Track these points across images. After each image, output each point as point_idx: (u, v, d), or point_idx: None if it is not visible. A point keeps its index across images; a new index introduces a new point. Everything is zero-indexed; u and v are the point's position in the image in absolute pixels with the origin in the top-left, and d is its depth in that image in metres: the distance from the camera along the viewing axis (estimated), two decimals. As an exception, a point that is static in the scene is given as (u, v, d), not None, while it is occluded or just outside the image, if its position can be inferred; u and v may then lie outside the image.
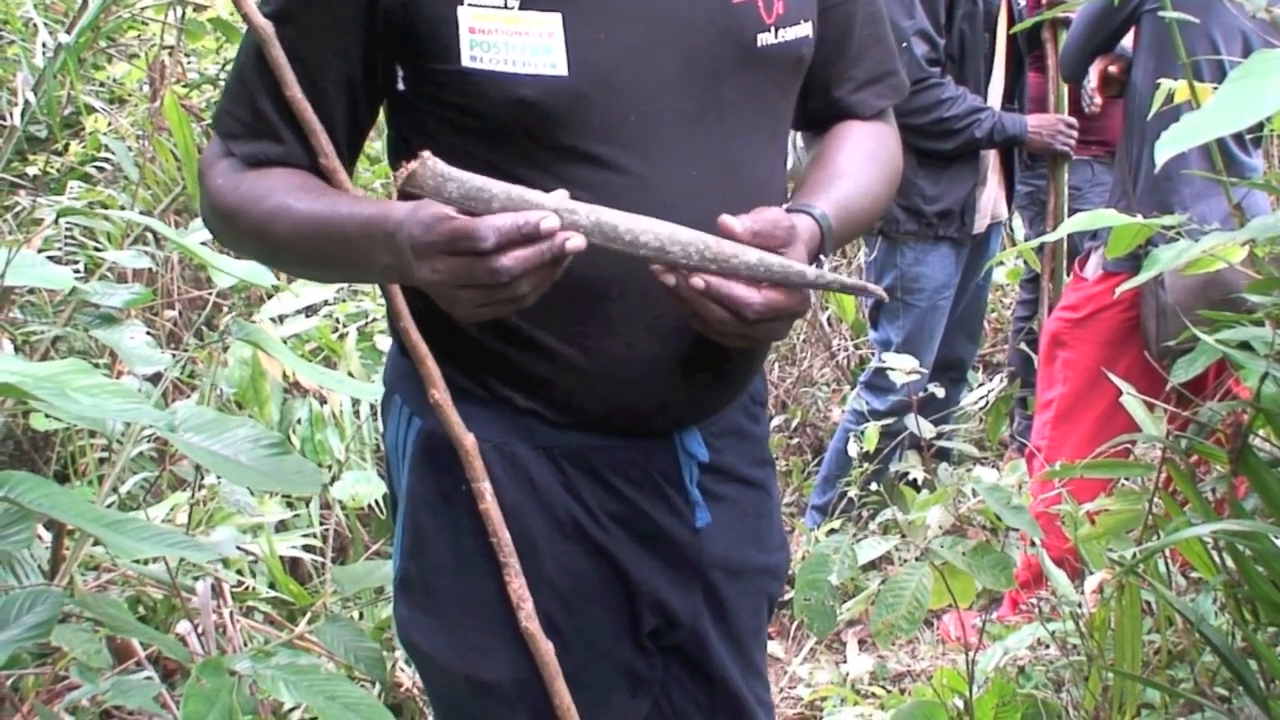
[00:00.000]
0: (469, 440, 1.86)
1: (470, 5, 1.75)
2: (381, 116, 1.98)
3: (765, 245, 1.71)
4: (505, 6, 1.75)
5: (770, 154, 1.97)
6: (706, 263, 1.66)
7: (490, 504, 1.86)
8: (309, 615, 2.60)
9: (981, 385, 6.21)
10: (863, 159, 2.06)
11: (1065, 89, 5.00)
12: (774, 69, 1.91)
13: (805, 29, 1.92)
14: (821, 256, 1.86)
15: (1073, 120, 4.95)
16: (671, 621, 2.08)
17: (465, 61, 1.76)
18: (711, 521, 2.05)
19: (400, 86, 1.85)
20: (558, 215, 1.60)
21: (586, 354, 1.87)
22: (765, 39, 1.86)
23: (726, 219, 1.71)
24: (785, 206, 1.88)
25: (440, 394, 1.86)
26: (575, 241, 1.60)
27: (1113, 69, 4.35)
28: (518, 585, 1.88)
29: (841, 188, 1.97)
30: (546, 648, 1.91)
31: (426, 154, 1.61)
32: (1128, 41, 4.29)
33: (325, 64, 1.85)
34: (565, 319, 1.81)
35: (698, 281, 1.67)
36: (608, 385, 1.89)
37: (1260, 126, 3.29)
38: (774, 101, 1.95)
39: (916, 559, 2.83)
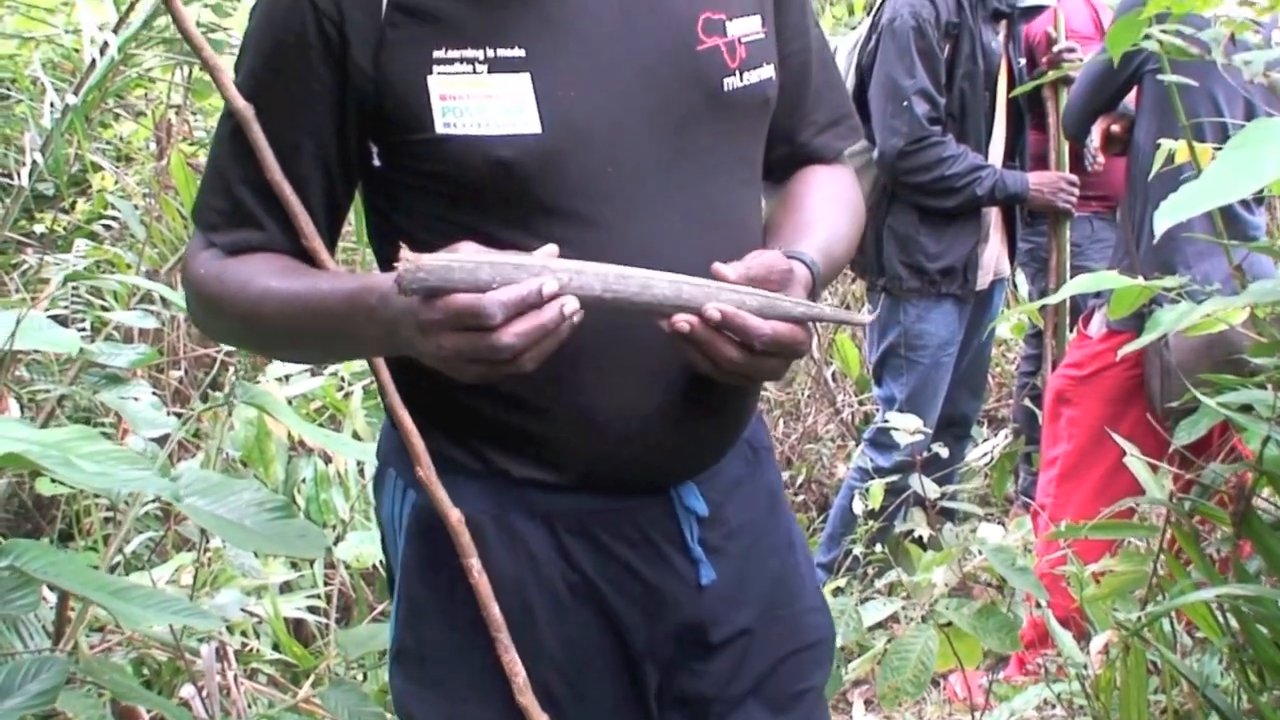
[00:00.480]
0: (454, 515, 1.85)
1: (439, 74, 1.77)
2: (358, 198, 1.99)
3: (762, 288, 1.74)
4: (474, 71, 1.77)
5: (746, 197, 1.98)
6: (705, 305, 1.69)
7: (479, 579, 1.85)
8: (313, 678, 2.59)
9: (986, 441, 6.20)
10: (833, 205, 2.08)
11: (1066, 147, 5.02)
12: (742, 112, 1.93)
13: (768, 70, 1.95)
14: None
15: (1073, 178, 4.97)
16: (682, 678, 2.06)
17: (439, 129, 1.78)
18: (718, 578, 2.02)
19: (376, 163, 1.86)
20: (556, 278, 1.61)
21: (578, 409, 1.86)
22: (731, 83, 1.89)
23: (719, 267, 1.73)
24: (779, 251, 1.88)
25: (425, 470, 1.86)
26: (570, 305, 1.62)
27: (1115, 128, 4.36)
28: (509, 659, 1.87)
29: (820, 234, 1.98)
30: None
31: (404, 254, 1.61)
32: (1131, 99, 4.31)
33: (299, 145, 1.86)
34: (555, 375, 1.78)
35: (713, 312, 1.67)
36: (600, 440, 1.88)
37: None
38: (745, 145, 1.97)
39: (923, 619, 2.83)
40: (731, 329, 1.70)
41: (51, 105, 4.20)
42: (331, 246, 1.95)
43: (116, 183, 5.45)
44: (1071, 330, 4.85)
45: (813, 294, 1.86)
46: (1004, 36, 5.04)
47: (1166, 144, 3.07)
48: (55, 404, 3.71)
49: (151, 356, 2.78)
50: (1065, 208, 5.01)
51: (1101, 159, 4.41)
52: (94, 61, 4.26)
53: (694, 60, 1.87)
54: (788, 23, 2.04)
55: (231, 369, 4.79)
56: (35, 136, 4.14)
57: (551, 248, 1.68)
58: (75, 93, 4.26)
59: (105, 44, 4.25)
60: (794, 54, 2.06)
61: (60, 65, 5.42)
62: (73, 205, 5.50)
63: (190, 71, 5.47)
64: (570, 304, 1.62)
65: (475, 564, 1.84)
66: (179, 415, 3.16)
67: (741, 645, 2.07)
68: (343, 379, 4.32)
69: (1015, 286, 5.96)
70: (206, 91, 5.69)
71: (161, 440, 2.89)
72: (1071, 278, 4.89)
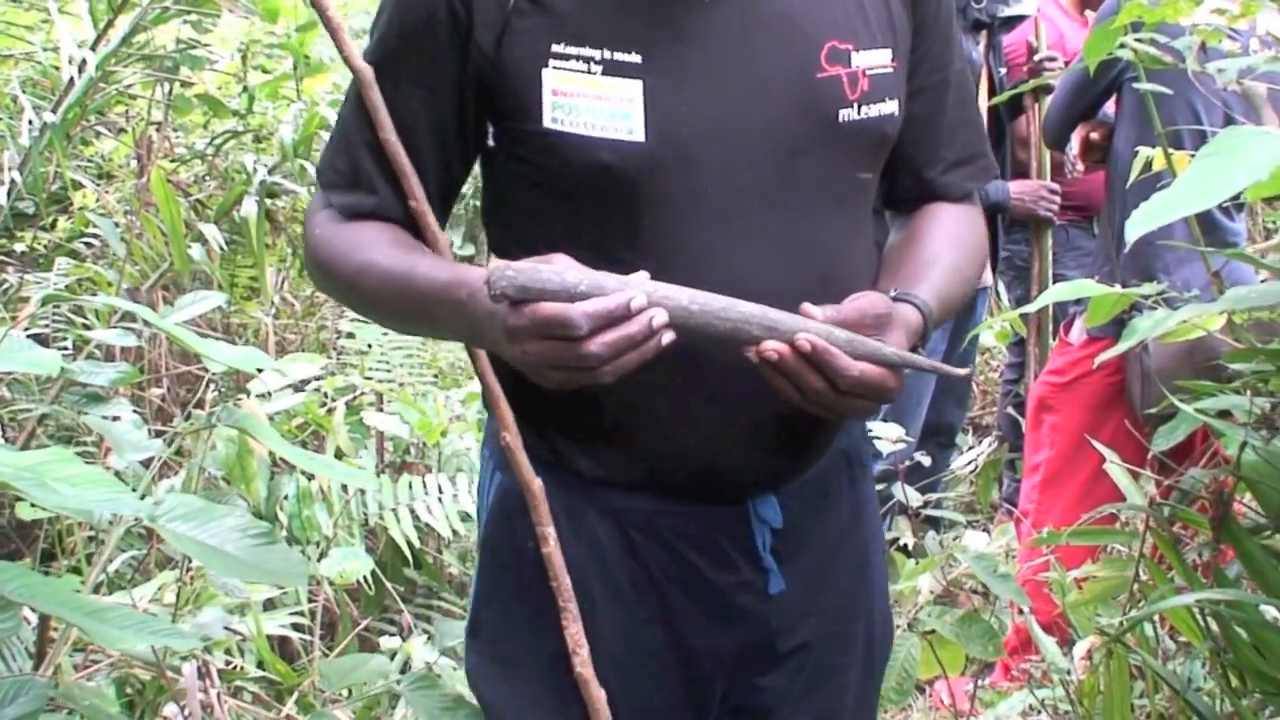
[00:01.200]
0: (536, 484, 1.86)
1: (555, 68, 1.80)
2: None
3: (854, 332, 1.74)
4: (589, 71, 1.79)
5: (850, 231, 1.95)
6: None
7: (553, 549, 1.86)
8: (296, 695, 2.59)
9: (971, 449, 6.21)
10: (953, 243, 2.06)
11: (1048, 156, 5.02)
12: (856, 146, 1.91)
13: (890, 106, 1.92)
14: (919, 348, 1.87)
15: (1055, 186, 4.98)
16: (742, 690, 2.07)
17: (546, 123, 1.80)
18: (788, 590, 2.02)
19: (490, 143, 1.90)
20: (645, 292, 1.63)
21: (654, 426, 1.88)
22: (847, 115, 1.87)
23: (808, 308, 1.73)
24: (891, 294, 1.88)
25: (511, 437, 1.86)
26: (667, 333, 1.64)
27: (1094, 135, 4.38)
28: (575, 631, 1.87)
29: (937, 273, 1.97)
30: (599, 695, 1.90)
31: (494, 264, 1.65)
32: (1111, 107, 4.32)
33: (417, 115, 1.90)
34: (634, 392, 1.79)
35: (803, 343, 1.67)
36: (675, 455, 1.90)
37: (1239, 195, 3.32)
38: (856, 178, 1.95)
39: (908, 627, 2.84)
40: (819, 363, 1.69)
41: (30, 123, 4.19)
42: (444, 219, 1.99)
43: (97, 200, 5.44)
44: (1054, 337, 4.86)
45: (924, 335, 1.87)
46: (984, 46, 5.05)
47: (1145, 152, 3.08)
48: (36, 424, 3.71)
49: (133, 375, 2.78)
50: (1047, 216, 5.03)
51: (1081, 167, 4.42)
52: (72, 79, 4.25)
53: (812, 88, 1.85)
54: (927, 56, 2.02)
55: (214, 386, 4.78)
56: (14, 155, 4.13)
57: (643, 274, 1.68)
58: (54, 110, 4.26)
59: (84, 61, 4.25)
60: (930, 87, 2.04)
61: (39, 83, 5.41)
62: (53, 223, 5.49)
63: (170, 88, 5.47)
64: (659, 317, 1.63)
65: (551, 533, 1.84)
66: (161, 433, 3.16)
67: (802, 657, 2.08)
68: (326, 395, 4.31)
69: (998, 294, 5.97)
70: (187, 108, 5.69)
71: (146, 462, 2.88)
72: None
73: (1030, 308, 2.62)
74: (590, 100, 1.79)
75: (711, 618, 2.01)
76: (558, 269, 1.64)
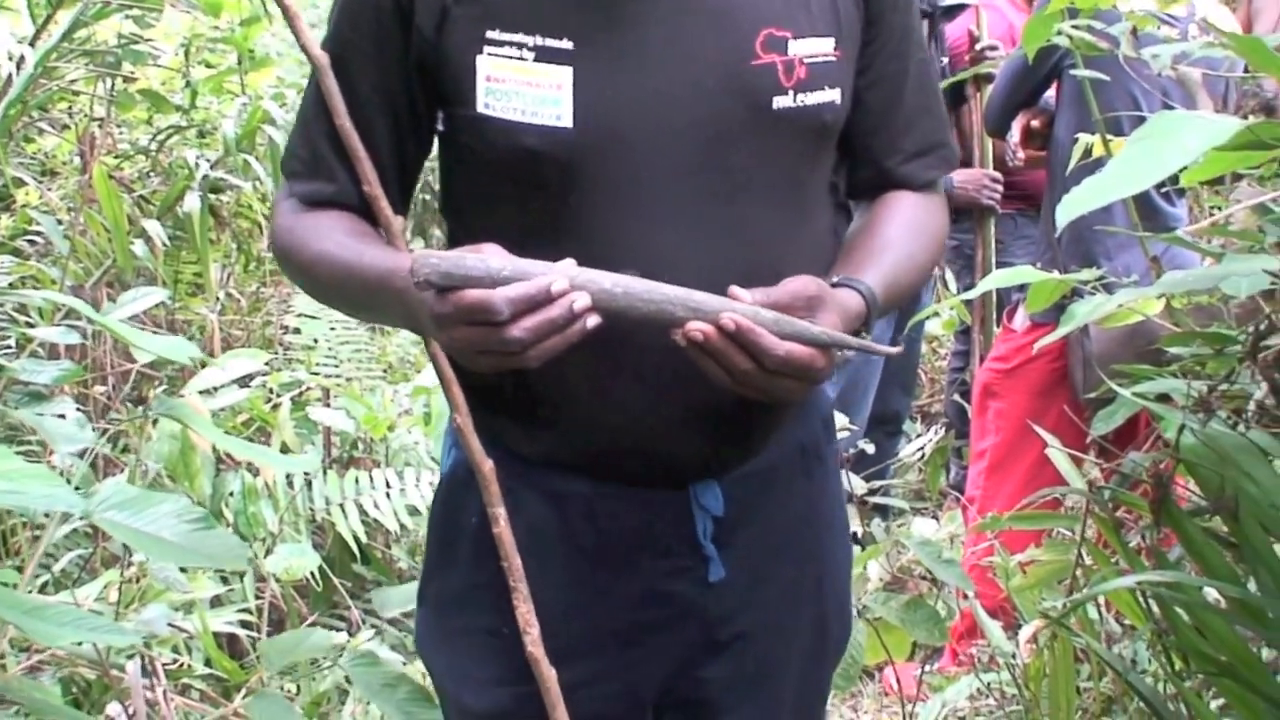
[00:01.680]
0: (487, 466, 1.86)
1: (489, 54, 1.81)
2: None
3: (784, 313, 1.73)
4: (520, 58, 1.80)
5: (786, 219, 1.94)
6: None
7: (504, 529, 1.86)
8: (244, 691, 2.58)
9: (919, 436, 6.24)
10: (908, 230, 2.05)
11: (990, 145, 5.04)
12: (791, 134, 1.89)
13: (831, 95, 1.90)
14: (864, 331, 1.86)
15: (997, 175, 5.00)
16: (685, 681, 2.07)
17: (480, 108, 1.82)
18: (729, 578, 2.01)
19: (440, 127, 1.92)
20: (566, 276, 1.63)
21: (589, 408, 1.88)
22: (782, 102, 1.85)
23: (736, 291, 1.72)
24: (833, 280, 1.87)
25: (462, 419, 1.86)
26: (592, 316, 1.65)
27: (1035, 123, 4.40)
28: (525, 610, 1.86)
29: (887, 259, 1.96)
30: (550, 674, 1.89)
31: (416, 252, 1.67)
32: (1052, 95, 4.34)
33: (370, 100, 1.92)
34: (567, 373, 1.80)
35: (728, 322, 1.66)
36: (611, 438, 1.90)
37: (1178, 179, 3.33)
38: (793, 166, 1.93)
39: (855, 614, 2.84)
40: (744, 342, 1.68)
41: (-30, 121, 4.17)
42: (404, 204, 2.03)
43: (40, 197, 5.40)
44: (999, 325, 4.88)
45: (866, 321, 1.85)
46: (925, 36, 5.05)
47: (1084, 139, 3.09)
48: (-21, 422, 3.68)
49: (76, 373, 2.76)
50: (990, 204, 5.05)
51: (1022, 154, 4.44)
52: (12, 75, 4.23)
53: (744, 75, 1.84)
54: (884, 46, 2.01)
55: (158, 384, 4.76)
56: (-46, 153, 4.10)
57: (570, 261, 1.69)
58: (-5, 107, 4.23)
59: (23, 58, 4.22)
60: (888, 77, 2.02)
61: (-20, 80, 5.36)
62: (-4, 221, 5.45)
63: (113, 83, 5.43)
64: (580, 300, 1.63)
65: (501, 513, 1.84)
66: (106, 431, 3.14)
67: (743, 646, 2.07)
68: (271, 390, 4.30)
69: (945, 283, 5.99)
70: (130, 104, 5.65)
71: (83, 454, 2.87)
72: (996, 273, 4.93)
73: (972, 294, 2.63)
74: (521, 86, 1.80)
75: (649, 603, 2.01)
76: (482, 255, 1.65)
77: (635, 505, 1.97)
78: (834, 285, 1.86)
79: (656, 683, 2.07)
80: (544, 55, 1.80)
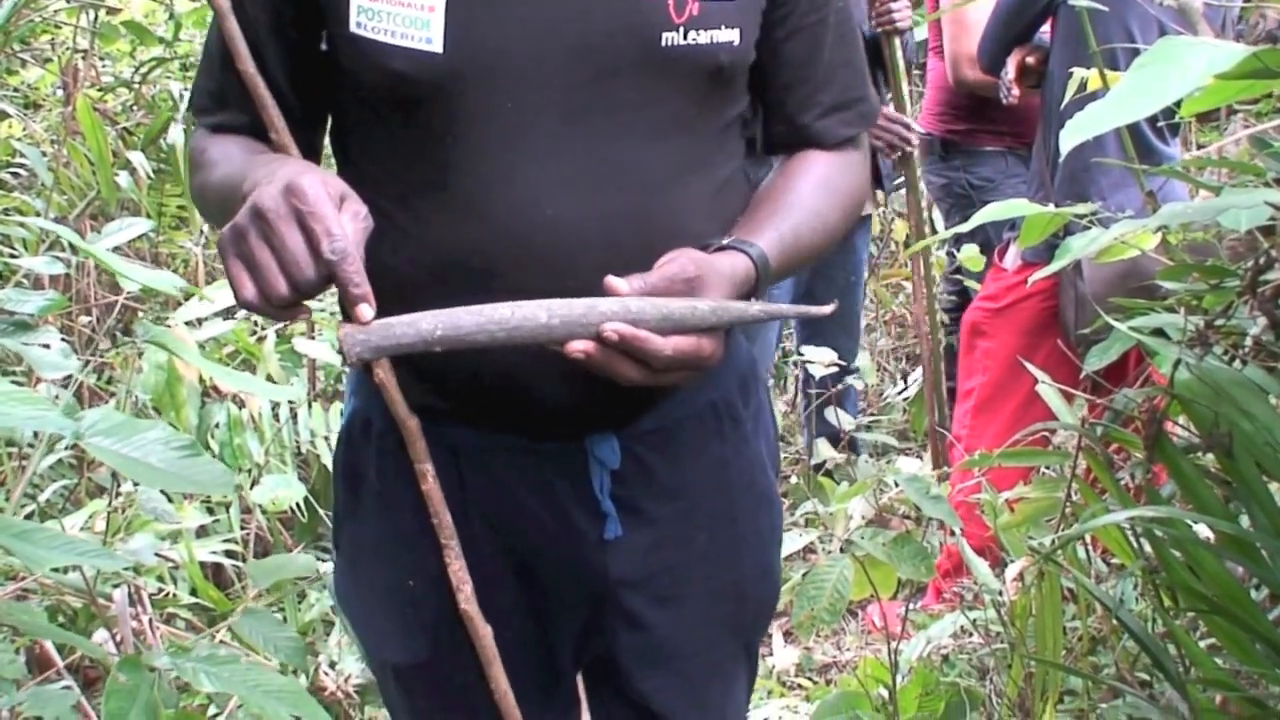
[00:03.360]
0: (413, 422, 1.75)
1: None
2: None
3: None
4: None
5: (682, 166, 1.88)
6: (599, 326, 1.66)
7: (432, 485, 1.77)
8: (230, 620, 2.57)
9: (906, 376, 6.24)
10: (819, 187, 1.99)
11: (906, 87, 5.03)
12: (680, 73, 1.83)
13: (728, 35, 1.83)
14: (753, 297, 1.82)
15: (908, 120, 4.99)
16: (586, 638, 2.06)
17: (352, 27, 1.76)
18: (633, 539, 1.98)
19: (323, 46, 1.85)
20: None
21: (474, 356, 1.78)
22: (671, 39, 1.79)
23: (611, 280, 1.68)
24: (724, 241, 1.84)
25: (385, 374, 1.73)
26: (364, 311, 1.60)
27: (1030, 60, 4.36)
28: (458, 568, 1.81)
29: (791, 218, 1.91)
30: (485, 631, 1.82)
31: (343, 330, 1.61)
32: (1047, 31, 4.32)
33: (259, 24, 1.83)
34: (463, 302, 1.73)
35: (610, 334, 1.63)
36: (480, 374, 1.85)
37: (1174, 115, 3.32)
38: (681, 107, 1.86)
39: (841, 549, 2.84)
40: (630, 350, 1.66)
41: (-47, 50, 4.13)
42: (314, 134, 1.96)
43: (23, 130, 5.37)
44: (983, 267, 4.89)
45: (756, 286, 1.82)
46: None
47: (1079, 73, 3.07)
48: (-37, 353, 3.67)
49: (61, 303, 2.73)
50: (909, 151, 5.04)
51: (1016, 91, 4.40)
52: (-5, 5, 4.19)
53: (632, 9, 1.78)
54: None
55: (143, 315, 4.74)
56: (-63, 81, 4.06)
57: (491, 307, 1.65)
58: (-23, 37, 4.19)
59: (5, -12, 4.18)
60: (806, 28, 1.96)
61: (-38, 11, 5.32)
62: (-21, 154, 5.42)
63: (96, 16, 5.39)
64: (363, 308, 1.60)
65: (429, 469, 1.78)
66: (89, 363, 3.13)
67: (654, 614, 2.04)
68: (256, 323, 4.28)
69: (931, 222, 5.97)
70: (113, 36, 5.60)
71: (68, 383, 2.85)
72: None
73: (965, 227, 2.59)
74: (392, 6, 1.74)
75: (546, 558, 1.98)
76: (408, 320, 1.62)
77: (530, 458, 1.94)
78: (721, 248, 1.82)
79: (570, 645, 2.06)
80: None
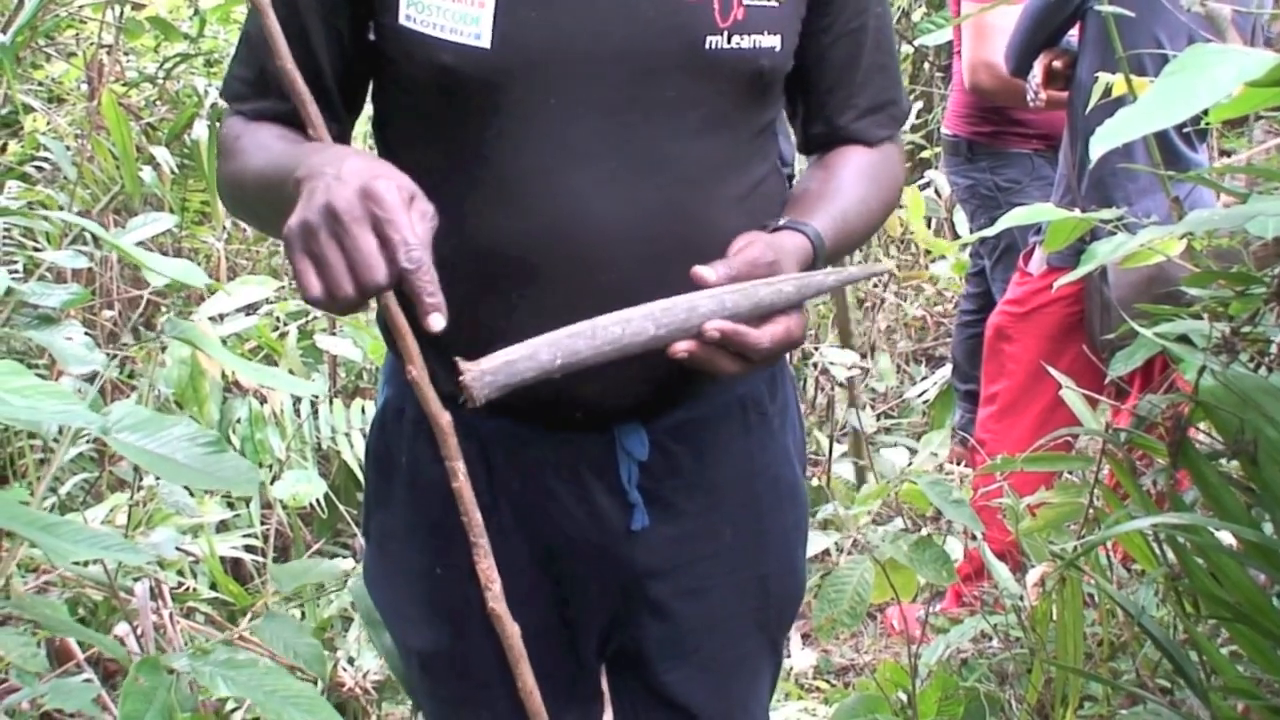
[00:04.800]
0: (445, 418, 1.71)
1: None
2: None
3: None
4: None
5: (720, 167, 1.89)
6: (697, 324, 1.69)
7: (463, 483, 1.74)
8: (250, 615, 2.58)
9: (925, 378, 6.23)
10: (861, 176, 2.03)
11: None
12: (722, 76, 1.84)
13: (770, 41, 1.85)
14: None
15: None
16: (611, 629, 2.06)
17: (401, 19, 1.77)
18: (660, 531, 1.99)
19: (371, 37, 1.85)
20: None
21: (516, 330, 1.76)
22: (715, 42, 1.81)
23: (699, 270, 1.70)
24: (781, 222, 1.87)
25: (417, 371, 1.70)
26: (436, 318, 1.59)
27: (1057, 64, 4.35)
28: (486, 566, 1.80)
29: (837, 204, 1.94)
30: (513, 630, 1.78)
31: (467, 373, 1.62)
32: (1074, 36, 4.30)
33: (309, 8, 1.83)
34: (500, 294, 1.78)
35: (713, 332, 1.66)
36: None
37: (1200, 121, 3.30)
38: (721, 109, 1.87)
39: (859, 551, 2.84)
40: (731, 345, 1.69)
41: (-21, 44, 4.13)
42: (350, 122, 1.95)
43: (48, 124, 5.38)
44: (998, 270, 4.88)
45: (814, 264, 1.84)
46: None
47: (1104, 77, 3.06)
48: (-13, 346, 3.68)
49: (84, 297, 2.74)
50: None
51: (1044, 95, 4.38)
52: (21, 1, 4.19)
53: (678, 10, 1.79)
54: (847, 3, 1.97)
55: (165, 310, 4.75)
56: (-37, 76, 4.07)
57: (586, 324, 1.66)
58: (3, 32, 4.19)
59: (33, -18, 4.18)
60: (849, 33, 1.99)
61: (-12, 5, 5.33)
62: (3, 147, 5.42)
63: (121, 11, 5.40)
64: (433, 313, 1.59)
65: (460, 467, 1.77)
66: (112, 357, 3.14)
67: (681, 605, 2.05)
68: (278, 319, 4.28)
69: (952, 224, 5.96)
70: (138, 31, 5.61)
71: (91, 378, 2.86)
72: (1012, 215, 4.91)
73: (990, 231, 2.57)
74: (443, 0, 1.75)
75: (573, 548, 1.99)
76: (527, 352, 1.62)
77: (559, 449, 1.95)
78: (779, 229, 1.85)
79: (595, 637, 2.07)
80: None
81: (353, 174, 1.57)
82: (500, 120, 1.78)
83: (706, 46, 1.81)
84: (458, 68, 1.75)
